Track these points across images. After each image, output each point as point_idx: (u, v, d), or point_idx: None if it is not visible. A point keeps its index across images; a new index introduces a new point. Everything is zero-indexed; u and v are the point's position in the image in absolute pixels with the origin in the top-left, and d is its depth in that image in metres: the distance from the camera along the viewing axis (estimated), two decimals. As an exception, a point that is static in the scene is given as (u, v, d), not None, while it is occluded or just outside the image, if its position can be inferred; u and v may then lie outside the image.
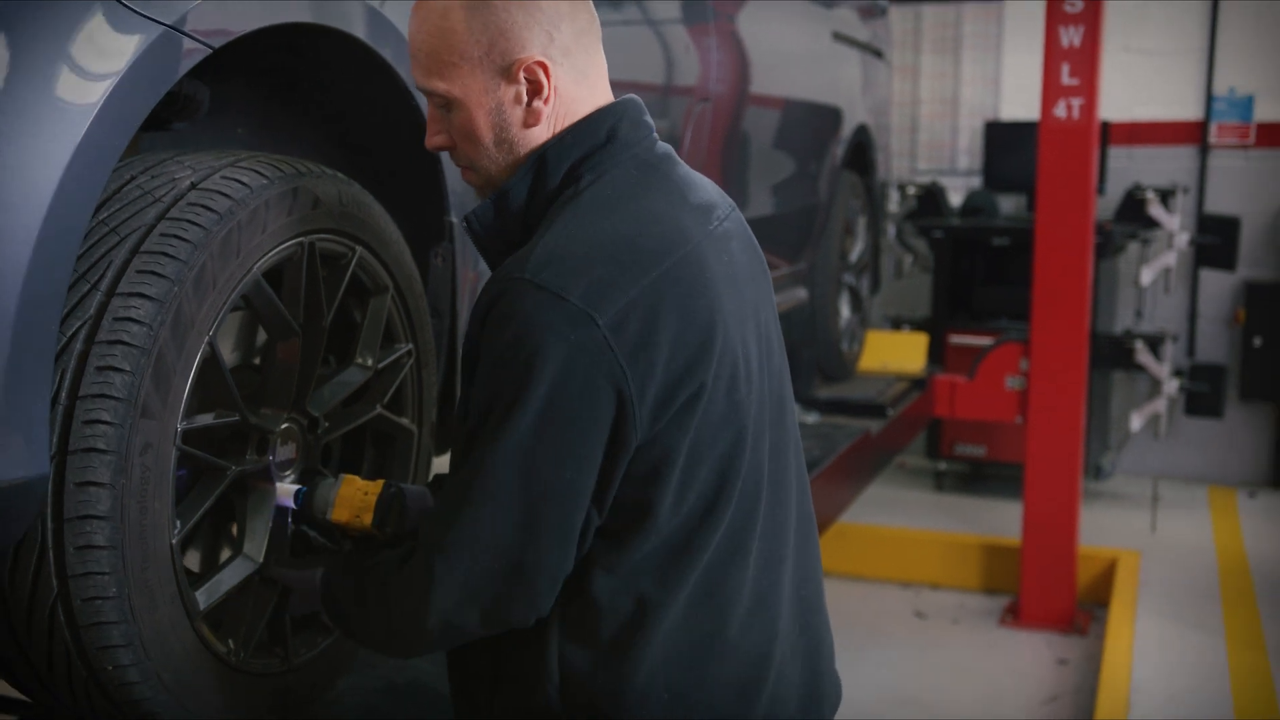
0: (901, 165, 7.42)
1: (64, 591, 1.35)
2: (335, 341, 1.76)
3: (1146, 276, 6.32)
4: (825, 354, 4.44)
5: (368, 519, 1.58)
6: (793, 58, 3.66)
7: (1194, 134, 6.81)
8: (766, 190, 3.50)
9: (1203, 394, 6.34)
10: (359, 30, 1.72)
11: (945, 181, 7.08)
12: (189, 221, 1.41)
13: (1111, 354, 6.14)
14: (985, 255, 6.62)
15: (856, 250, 4.64)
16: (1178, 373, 6.42)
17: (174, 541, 1.45)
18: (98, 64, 1.30)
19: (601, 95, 1.48)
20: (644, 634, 1.38)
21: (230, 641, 1.58)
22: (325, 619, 1.60)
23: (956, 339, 6.39)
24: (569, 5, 1.42)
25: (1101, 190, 6.26)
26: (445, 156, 1.93)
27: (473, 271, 2.10)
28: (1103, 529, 5.91)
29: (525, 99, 1.41)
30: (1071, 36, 4.83)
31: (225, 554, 1.69)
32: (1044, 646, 4.99)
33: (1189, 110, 6.82)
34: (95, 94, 1.29)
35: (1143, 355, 6.11)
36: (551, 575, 1.35)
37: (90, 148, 1.28)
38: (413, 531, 1.60)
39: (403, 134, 1.91)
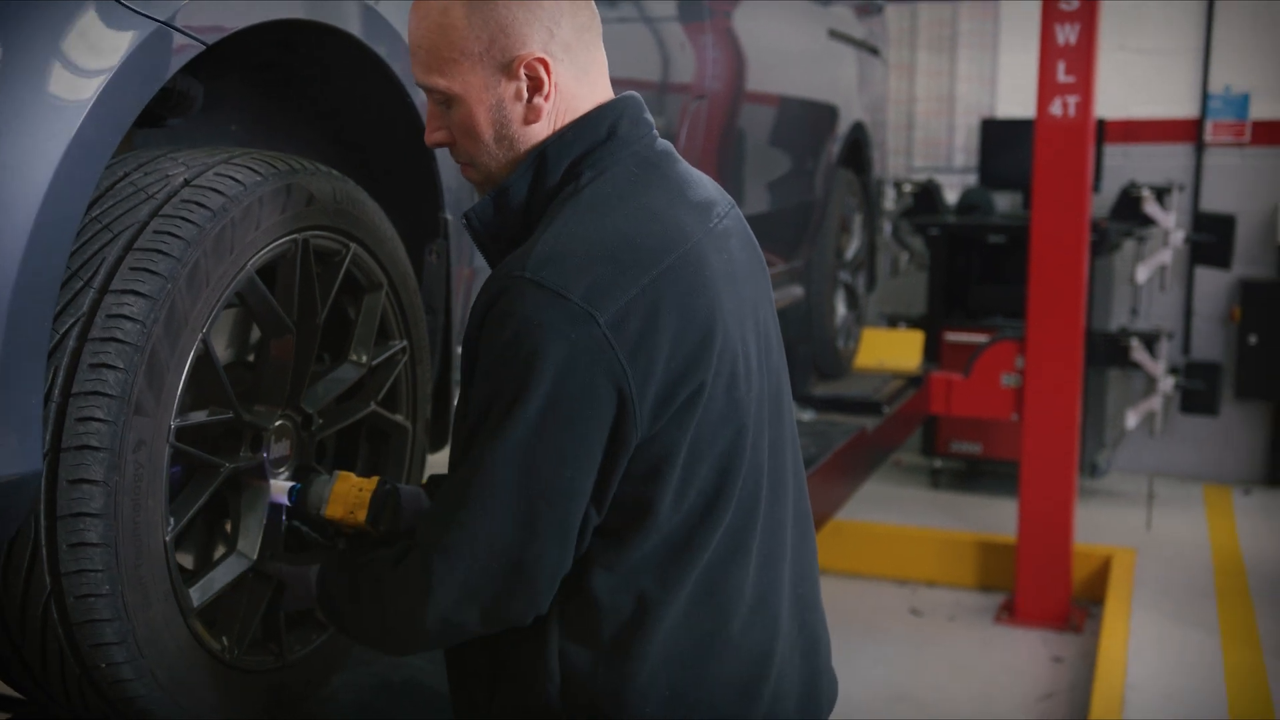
0: (898, 163, 7.42)
1: (57, 589, 1.35)
2: (329, 338, 1.76)
3: (1142, 274, 6.32)
4: (821, 351, 4.44)
5: (362, 515, 1.58)
6: (789, 55, 3.66)
7: (1189, 132, 6.82)
8: (762, 188, 3.50)
9: (1198, 392, 6.35)
10: (354, 27, 1.72)
11: (941, 179, 7.08)
12: (182, 218, 1.41)
13: (1107, 352, 6.15)
14: (981, 253, 6.62)
15: (852, 248, 4.64)
16: (1173, 370, 6.43)
17: (167, 539, 1.45)
18: (90, 60, 1.29)
19: (602, 92, 1.48)
20: (645, 632, 1.38)
21: (224, 638, 1.58)
22: (321, 617, 1.60)
23: (952, 336, 6.40)
24: (569, 2, 1.42)
25: (1097, 188, 6.26)
26: (440, 153, 1.93)
27: (468, 268, 2.10)
28: (1098, 526, 5.92)
29: (526, 95, 1.41)
30: (1067, 34, 4.83)
31: (219, 551, 1.68)
32: (1039, 644, 4.99)
33: (1185, 108, 6.83)
34: (88, 90, 1.28)
35: (1138, 353, 6.11)
36: (550, 574, 1.35)
37: (83, 144, 1.27)
38: (407, 530, 1.60)
39: (397, 131, 1.91)
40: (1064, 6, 4.83)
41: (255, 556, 1.62)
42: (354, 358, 1.77)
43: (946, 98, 7.38)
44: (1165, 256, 6.37)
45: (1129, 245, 6.67)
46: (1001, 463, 6.49)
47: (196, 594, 1.53)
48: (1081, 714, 4.19)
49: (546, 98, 1.42)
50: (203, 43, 1.45)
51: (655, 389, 1.33)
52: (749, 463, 1.45)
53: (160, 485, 1.42)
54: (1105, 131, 6.59)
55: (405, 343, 1.86)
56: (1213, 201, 6.75)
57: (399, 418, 1.87)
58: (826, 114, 4.01)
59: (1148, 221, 6.30)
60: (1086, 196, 4.92)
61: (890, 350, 5.25)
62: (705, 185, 1.52)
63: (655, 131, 1.51)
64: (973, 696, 4.51)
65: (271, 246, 1.55)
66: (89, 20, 1.30)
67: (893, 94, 7.09)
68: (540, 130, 1.44)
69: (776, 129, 3.54)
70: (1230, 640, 4.55)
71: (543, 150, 1.43)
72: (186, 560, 1.70)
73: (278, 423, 1.64)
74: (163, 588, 1.44)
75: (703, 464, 1.39)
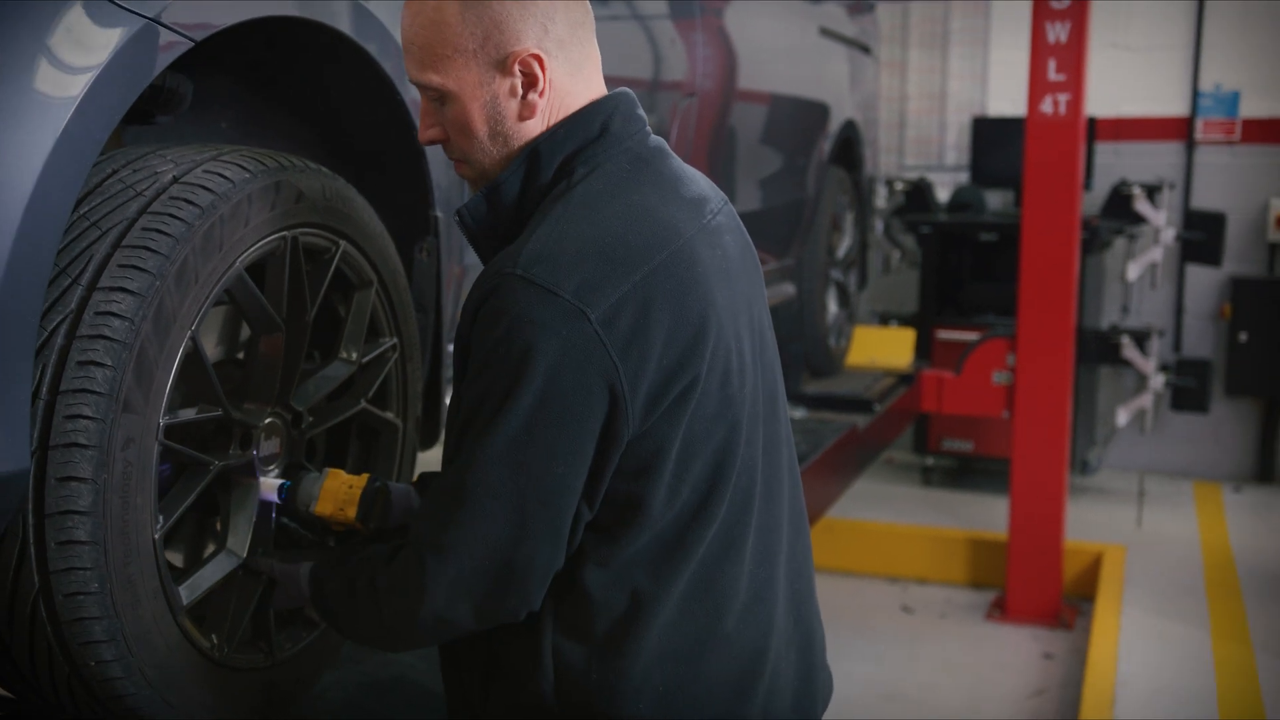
0: (889, 161, 7.43)
1: (45, 587, 1.34)
2: (319, 336, 1.76)
3: (1133, 272, 6.34)
4: (813, 349, 4.44)
5: (351, 512, 1.58)
6: (780, 53, 3.66)
7: (1180, 130, 6.83)
8: (753, 185, 3.50)
9: (1189, 389, 6.36)
10: (343, 25, 1.71)
11: (933, 177, 7.09)
12: (171, 216, 1.41)
13: (1098, 349, 6.16)
14: (972, 251, 6.63)
15: (844, 246, 4.64)
16: (1164, 368, 6.44)
17: (156, 536, 1.44)
18: (78, 57, 1.29)
19: (595, 88, 1.48)
20: (638, 628, 1.38)
21: (214, 636, 1.57)
22: (312, 614, 1.60)
23: (944, 334, 6.40)
24: None
25: (1088, 186, 6.27)
26: (430, 150, 1.93)
27: (458, 266, 2.10)
28: (1089, 524, 5.93)
29: (520, 92, 1.41)
30: (1058, 32, 4.84)
31: (209, 549, 1.68)
32: (1030, 641, 5.00)
33: (1175, 106, 6.84)
34: (75, 87, 1.28)
35: (1129, 350, 6.13)
36: (542, 571, 1.35)
37: (70, 141, 1.27)
38: (398, 529, 1.60)
39: (388, 128, 1.91)
40: (1055, 4, 4.83)
41: (245, 554, 1.62)
42: (344, 355, 1.77)
43: (938, 95, 7.39)
44: (1156, 254, 6.38)
45: (1120, 243, 6.69)
46: (993, 460, 6.51)
47: (186, 592, 1.53)
48: (1072, 710, 4.21)
49: (541, 94, 1.42)
50: (191, 40, 1.44)
51: (647, 385, 1.33)
52: (743, 459, 1.45)
53: (149, 483, 1.41)
54: (1096, 129, 6.61)
55: (395, 340, 1.86)
56: (1203, 199, 6.77)
57: (389, 415, 1.87)
58: (818, 112, 4.02)
59: (1138, 219, 6.32)
60: (1077, 194, 4.93)
61: (882, 348, 5.26)
62: (698, 182, 1.52)
63: (648, 128, 1.51)
64: (964, 693, 4.52)
65: (261, 244, 1.55)
66: (76, 16, 1.29)
67: (884, 92, 7.09)
68: (534, 127, 1.43)
69: (768, 127, 3.55)
70: (1220, 636, 4.56)
71: (535, 147, 1.43)
72: (176, 558, 1.70)
73: (267, 420, 1.64)
74: (152, 585, 1.44)
75: (696, 460, 1.40)
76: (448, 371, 2.07)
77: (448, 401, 2.07)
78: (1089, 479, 6.63)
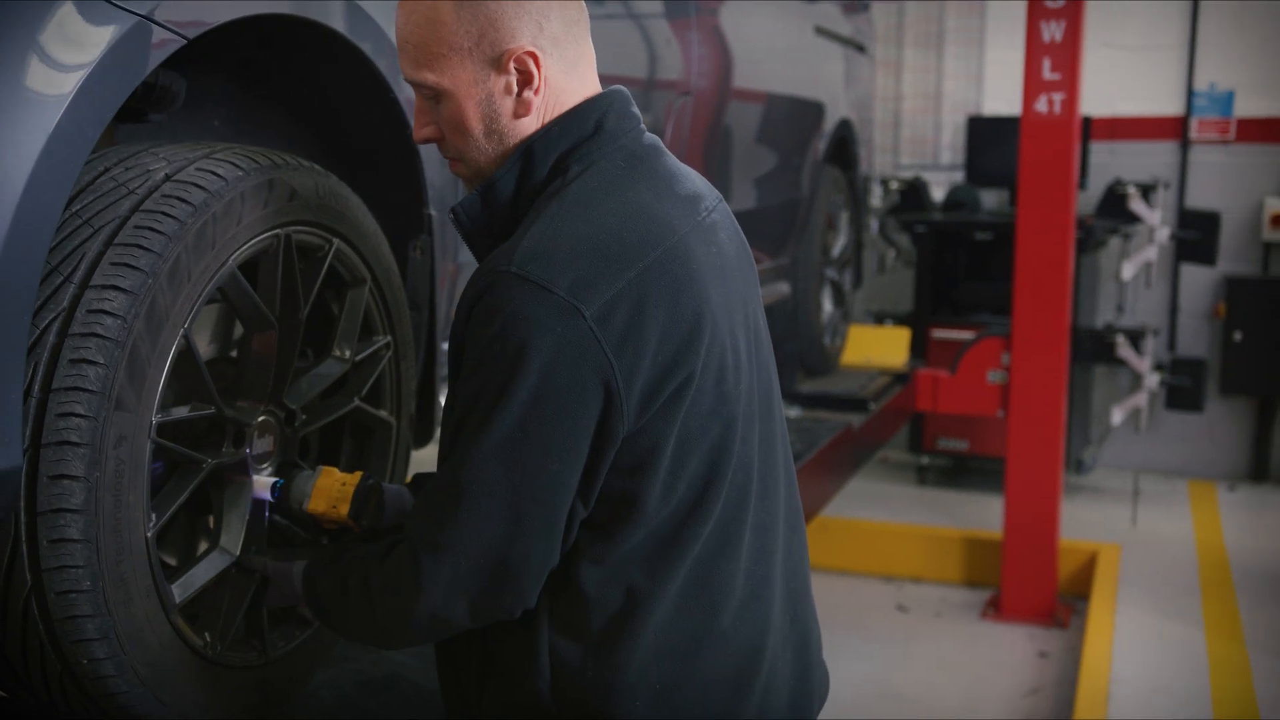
0: (884, 160, 7.43)
1: (38, 585, 1.34)
2: (313, 334, 1.76)
3: (1128, 271, 6.34)
4: (808, 348, 4.44)
5: (344, 510, 1.58)
6: (775, 52, 3.66)
7: (1175, 129, 6.84)
8: (748, 184, 3.50)
9: (1183, 388, 6.37)
10: (337, 23, 1.71)
11: (928, 176, 7.09)
12: (163, 213, 1.40)
13: (1093, 348, 6.17)
14: (967, 250, 6.64)
15: (839, 245, 4.64)
16: (1158, 367, 6.45)
17: (149, 534, 1.44)
18: (69, 54, 1.29)
19: (590, 86, 1.48)
20: (634, 625, 1.38)
21: (207, 635, 1.57)
22: (306, 613, 1.60)
23: (939, 333, 6.41)
24: None
25: (1083, 185, 6.28)
26: (424, 149, 1.93)
27: (452, 264, 2.09)
28: (1083, 523, 5.94)
29: (516, 89, 1.41)
30: (1053, 31, 4.85)
31: (202, 547, 1.68)
32: (1025, 639, 5.01)
33: (1170, 105, 6.85)
34: (67, 84, 1.28)
35: (1124, 350, 6.13)
36: (537, 568, 1.35)
37: (62, 139, 1.27)
38: (391, 528, 1.60)
39: (381, 126, 1.91)
40: (1050, 4, 4.84)
41: (238, 552, 1.62)
42: (337, 353, 1.77)
43: (933, 95, 7.39)
44: (1151, 253, 6.39)
45: (1115, 242, 6.69)
46: (988, 459, 6.51)
47: (179, 590, 1.53)
48: (1067, 709, 4.21)
49: (536, 91, 1.42)
50: (184, 37, 1.44)
51: (642, 382, 1.33)
52: (739, 456, 1.45)
53: (142, 481, 1.41)
54: (1091, 128, 6.61)
55: (389, 338, 1.86)
56: (1198, 198, 6.77)
57: (383, 413, 1.87)
58: (813, 111, 4.02)
59: (1133, 218, 6.32)
60: (1072, 193, 4.94)
61: (877, 347, 5.26)
62: (693, 179, 1.52)
63: (642, 126, 1.51)
64: (959, 692, 4.52)
65: (253, 242, 1.54)
66: (68, 14, 1.29)
67: (879, 91, 7.10)
68: (529, 124, 1.43)
69: (762, 126, 3.55)
70: (1214, 635, 4.57)
71: (530, 145, 1.43)
72: (169, 556, 1.70)
73: (260, 418, 1.64)
74: (144, 583, 1.44)
75: (691, 457, 1.40)
76: (442, 370, 2.07)
77: (442, 400, 2.07)
78: (1084, 478, 6.64)
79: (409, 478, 1.87)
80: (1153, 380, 6.28)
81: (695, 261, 1.40)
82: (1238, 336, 6.61)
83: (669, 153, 1.53)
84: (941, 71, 7.35)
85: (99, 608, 1.37)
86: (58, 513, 1.32)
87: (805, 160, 4.00)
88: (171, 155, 1.49)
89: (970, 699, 4.46)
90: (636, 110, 1.50)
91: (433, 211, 1.99)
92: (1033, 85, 4.88)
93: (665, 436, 1.36)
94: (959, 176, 7.18)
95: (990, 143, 6.70)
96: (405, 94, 1.84)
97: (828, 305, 4.60)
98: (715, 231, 1.48)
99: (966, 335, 5.80)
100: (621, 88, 1.50)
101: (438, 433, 1.96)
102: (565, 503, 1.34)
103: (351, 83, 1.84)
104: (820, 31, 4.07)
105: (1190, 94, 6.78)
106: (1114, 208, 6.33)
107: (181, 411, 1.51)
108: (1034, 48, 4.87)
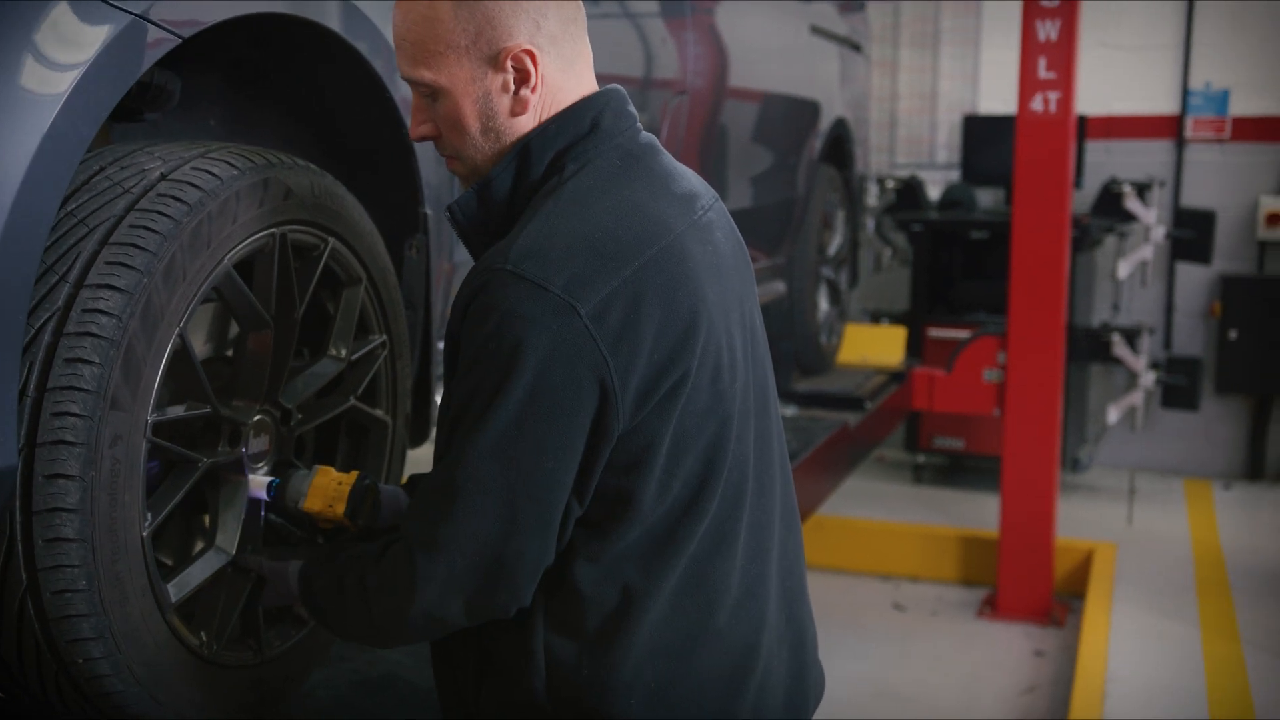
0: (880, 159, 7.44)
1: (33, 584, 1.34)
2: (308, 333, 1.76)
3: (1123, 270, 6.35)
4: (804, 347, 4.45)
5: (340, 509, 1.58)
6: (771, 51, 3.66)
7: (1170, 128, 6.85)
8: (744, 183, 3.51)
9: (1179, 387, 6.38)
10: (333, 22, 1.71)
11: (924, 175, 7.10)
12: (158, 213, 1.40)
13: (1088, 347, 6.17)
14: (963, 249, 6.64)
15: (835, 244, 4.65)
16: (1154, 366, 6.46)
17: (145, 534, 1.44)
18: (64, 54, 1.29)
19: (586, 85, 1.48)
20: (629, 624, 1.38)
21: (203, 634, 1.57)
22: (302, 612, 1.60)
23: (935, 332, 6.41)
24: None
25: (1078, 184, 6.29)
26: (419, 148, 1.93)
27: (448, 263, 2.09)
28: (1080, 521, 5.94)
29: (512, 88, 1.41)
30: (1048, 31, 4.85)
31: (198, 546, 1.68)
32: (1021, 638, 5.01)
33: (1165, 104, 6.86)
34: (62, 84, 1.28)
35: (1119, 348, 6.14)
36: (532, 566, 1.35)
37: (57, 138, 1.27)
38: (387, 527, 1.60)
39: (377, 126, 1.91)
40: (1045, 3, 4.84)
41: (234, 552, 1.61)
42: (333, 353, 1.77)
43: (929, 94, 7.40)
44: (1146, 252, 6.40)
45: (1110, 241, 6.70)
46: (984, 458, 6.52)
47: (174, 589, 1.53)
48: (1063, 707, 4.21)
49: (533, 90, 1.42)
50: (179, 36, 1.44)
51: (637, 380, 1.33)
52: (734, 454, 1.45)
53: (137, 480, 1.41)
54: (1086, 128, 6.62)
55: (385, 338, 1.86)
56: (1193, 197, 6.78)
57: (379, 413, 1.87)
58: (809, 110, 4.02)
59: (1129, 217, 6.33)
60: (1068, 192, 4.94)
61: (873, 346, 5.26)
62: (689, 178, 1.52)
63: (639, 124, 1.51)
64: (955, 691, 4.52)
65: (249, 241, 1.54)
66: (62, 13, 1.29)
67: (875, 90, 7.10)
68: (526, 123, 1.44)
69: (759, 125, 3.55)
70: (1210, 633, 4.58)
71: (526, 143, 1.43)
72: (165, 555, 1.70)
73: (256, 418, 1.64)
74: (140, 583, 1.44)
75: (687, 455, 1.40)
76: (437, 369, 2.07)
77: (437, 399, 2.07)
78: (1080, 476, 6.65)
79: (405, 478, 1.87)
80: (1148, 379, 6.29)
81: (691, 260, 1.40)
82: (1233, 335, 6.62)
83: (665, 151, 1.53)
84: (937, 71, 7.36)
85: (95, 607, 1.37)
86: (53, 512, 1.32)
87: (801, 159, 4.00)
88: (167, 154, 1.48)
89: (966, 697, 4.46)
90: (633, 109, 1.50)
91: (428, 210, 1.99)
92: (1028, 84, 4.88)
93: (660, 435, 1.37)
94: (955, 176, 7.18)
95: (986, 142, 6.70)
96: (401, 93, 1.84)
97: (824, 304, 4.60)
98: (711, 230, 1.48)
99: (962, 334, 5.81)
100: (618, 87, 1.50)
101: (433, 432, 1.97)
102: (560, 501, 1.34)
103: (347, 82, 1.84)
104: (816, 31, 4.08)
105: (1185, 93, 6.79)
106: (1109, 207, 6.34)
107: (177, 411, 1.51)
108: (1029, 47, 4.88)
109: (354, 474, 1.62)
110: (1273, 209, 6.60)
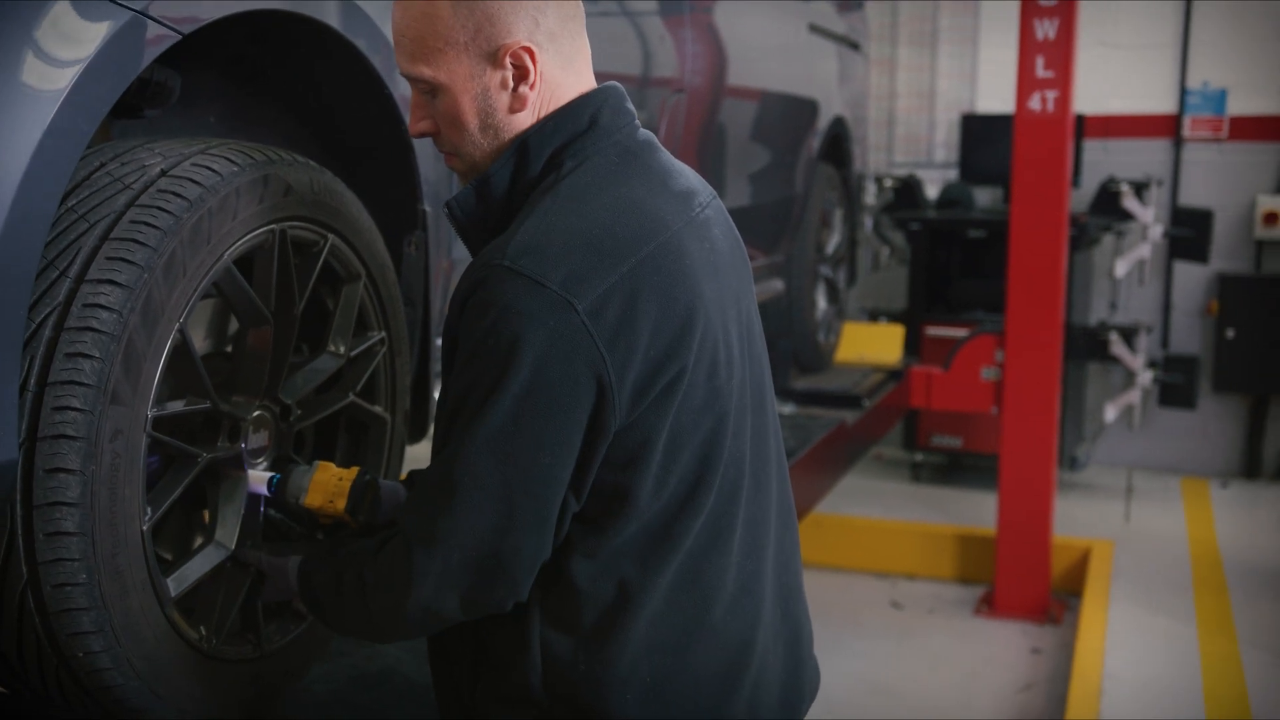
0: (878, 158, 7.44)
1: (34, 578, 1.35)
2: (308, 329, 1.76)
3: (1121, 269, 6.36)
4: (802, 345, 4.45)
5: (341, 504, 1.59)
6: (769, 50, 3.66)
7: (1168, 127, 6.86)
8: (742, 181, 3.51)
9: (1176, 385, 6.39)
10: (331, 19, 1.72)
11: (922, 174, 7.10)
12: (159, 208, 1.41)
13: (1086, 346, 6.18)
14: (961, 247, 6.65)
15: (833, 242, 4.65)
16: (1151, 364, 6.46)
17: (145, 528, 1.45)
18: (65, 50, 1.29)
19: (585, 82, 1.48)
20: (625, 619, 1.39)
21: (202, 628, 1.58)
22: (301, 607, 1.60)
23: (933, 331, 6.42)
24: None
25: (1076, 183, 6.29)
26: (418, 145, 1.93)
27: (446, 259, 2.10)
28: (1077, 519, 5.95)
29: (512, 84, 1.42)
30: (1046, 30, 4.86)
31: (197, 541, 1.68)
32: (1018, 635, 5.02)
33: (1163, 104, 6.87)
34: (62, 80, 1.28)
35: (1117, 347, 6.14)
36: (529, 562, 1.36)
37: (57, 134, 1.27)
38: (387, 523, 1.60)
39: (376, 123, 1.91)
40: (1043, 2, 4.85)
41: (233, 546, 1.62)
42: (332, 348, 1.78)
43: (927, 93, 7.40)
44: (1144, 251, 6.40)
45: (1108, 240, 6.71)
46: (981, 456, 6.52)
47: (174, 583, 1.53)
48: (1060, 704, 4.22)
49: (532, 86, 1.42)
50: (179, 33, 1.44)
51: (634, 376, 1.33)
52: (730, 451, 1.45)
53: (137, 474, 1.42)
54: (1084, 126, 6.63)
55: (384, 334, 1.86)
56: (1191, 196, 6.79)
57: (378, 409, 1.88)
58: (807, 108, 4.02)
59: (1126, 216, 6.34)
60: (1065, 191, 4.95)
61: (871, 344, 5.26)
62: (686, 175, 1.53)
63: (637, 121, 1.51)
64: (952, 688, 4.53)
65: (248, 237, 1.55)
66: (63, 9, 1.30)
67: (873, 89, 7.10)
68: (525, 119, 1.44)
69: (757, 123, 3.55)
70: (1206, 631, 4.59)
71: (525, 140, 1.43)
72: (165, 550, 1.70)
73: (256, 413, 1.65)
74: (140, 577, 1.44)
75: (683, 451, 1.40)
76: (436, 365, 2.08)
77: (436, 395, 2.07)
78: (1077, 475, 6.66)
79: (404, 473, 1.87)
80: (1146, 377, 6.30)
81: (688, 257, 1.41)
82: (1230, 334, 6.63)
83: (663, 149, 1.53)
84: (935, 70, 7.36)
85: (95, 601, 1.38)
86: (54, 506, 1.33)
87: (799, 158, 4.01)
88: (167, 150, 1.49)
89: (964, 695, 4.47)
90: (631, 107, 1.51)
91: (427, 207, 1.99)
92: (1026, 83, 4.89)
93: (657, 431, 1.37)
94: (953, 174, 7.19)
95: (984, 140, 6.71)
96: (399, 90, 1.84)
97: (822, 302, 4.60)
98: (709, 227, 1.49)
99: (960, 332, 5.81)
100: (616, 84, 1.51)
101: (432, 428, 1.97)
102: (557, 496, 1.34)
103: (346, 79, 1.84)
104: (814, 29, 4.08)
105: (1183, 92, 6.80)
106: (1107, 205, 6.34)
107: (177, 406, 1.51)
108: (1027, 46, 4.88)
109: (354, 469, 1.62)
110: (1270, 208, 6.61)
